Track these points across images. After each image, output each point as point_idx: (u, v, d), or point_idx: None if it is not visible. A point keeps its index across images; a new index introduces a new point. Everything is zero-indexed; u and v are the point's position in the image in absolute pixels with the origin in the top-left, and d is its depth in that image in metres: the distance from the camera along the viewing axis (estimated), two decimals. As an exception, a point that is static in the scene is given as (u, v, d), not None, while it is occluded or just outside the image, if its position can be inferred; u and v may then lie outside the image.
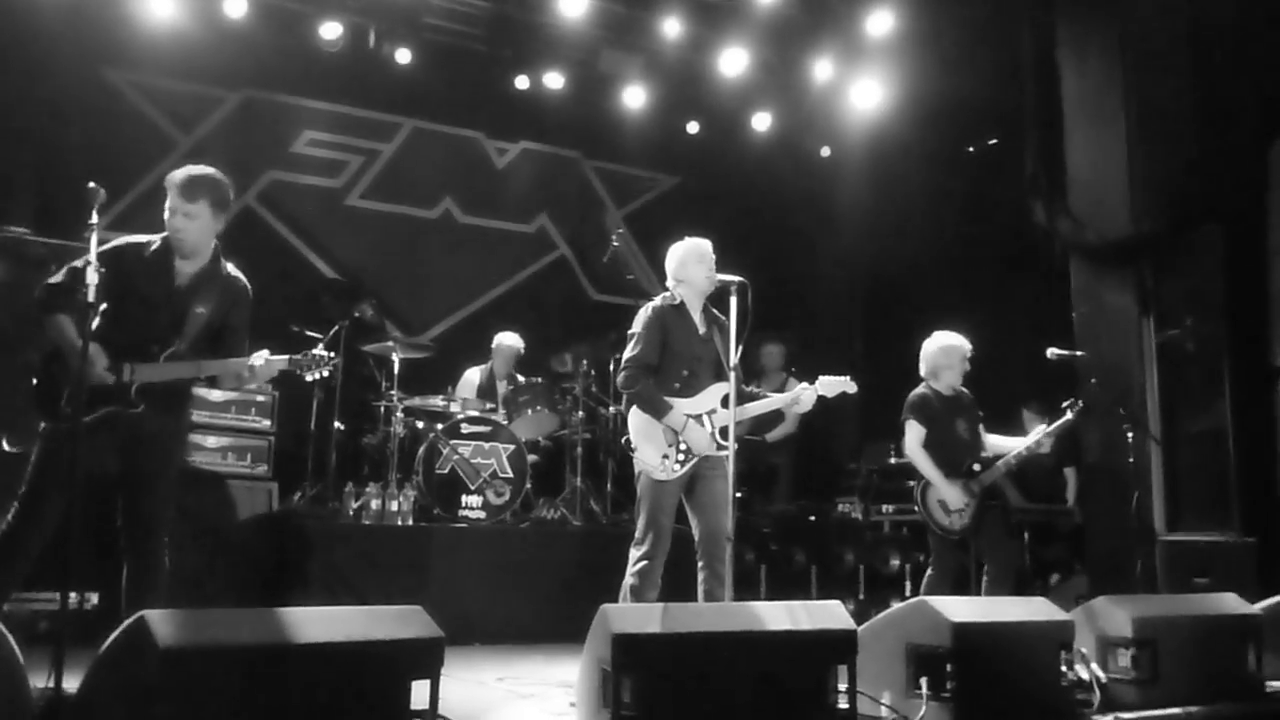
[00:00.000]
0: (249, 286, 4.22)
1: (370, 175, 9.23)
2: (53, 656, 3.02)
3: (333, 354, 4.22)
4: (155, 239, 4.04)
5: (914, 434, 5.65)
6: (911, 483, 5.89)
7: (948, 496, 5.53)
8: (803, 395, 4.80)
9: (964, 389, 5.77)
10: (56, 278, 3.93)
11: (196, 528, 6.01)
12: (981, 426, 5.75)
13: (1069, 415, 5.53)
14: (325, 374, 4.18)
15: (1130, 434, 6.01)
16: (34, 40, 7.33)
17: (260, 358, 3.96)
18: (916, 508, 5.74)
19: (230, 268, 4.18)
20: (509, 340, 7.96)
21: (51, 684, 3.00)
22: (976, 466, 5.54)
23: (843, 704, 3.50)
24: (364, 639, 2.95)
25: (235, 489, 6.57)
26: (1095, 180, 6.97)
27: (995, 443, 5.74)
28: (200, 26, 7.76)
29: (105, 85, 8.10)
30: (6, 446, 5.47)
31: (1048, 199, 7.13)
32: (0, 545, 3.70)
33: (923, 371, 5.79)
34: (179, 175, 3.98)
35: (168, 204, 3.95)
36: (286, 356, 4.06)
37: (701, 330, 4.81)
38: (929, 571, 5.65)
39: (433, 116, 9.42)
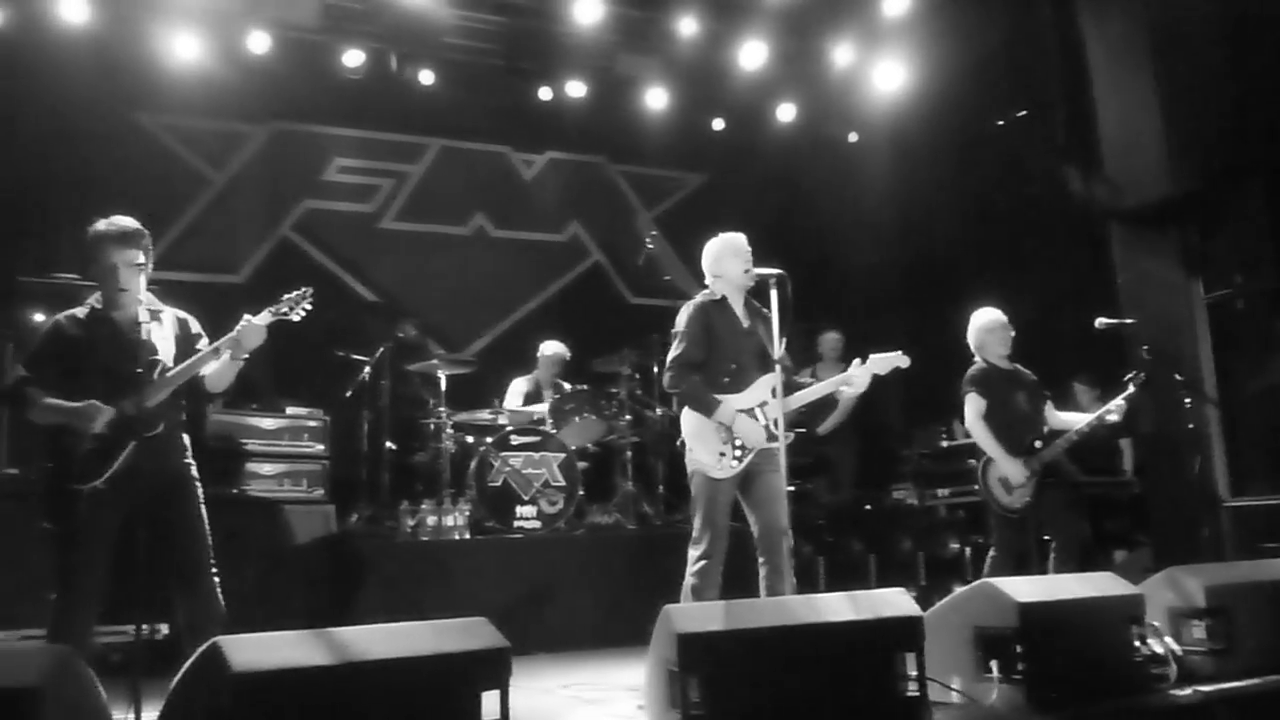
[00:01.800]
0: (190, 317, 4.20)
1: (401, 197, 9.31)
2: (129, 688, 3.08)
3: (308, 288, 4.13)
4: (77, 309, 4.02)
5: (974, 406, 5.58)
6: (971, 461, 5.83)
7: (1009, 473, 5.45)
8: (855, 376, 4.69)
9: (1023, 367, 5.72)
10: (20, 372, 3.93)
11: (257, 554, 6.11)
12: (1049, 404, 5.68)
13: (1131, 387, 5.44)
14: (309, 307, 4.08)
15: (1187, 399, 5.91)
16: (68, 89, 7.49)
17: (244, 322, 3.93)
18: (977, 486, 5.68)
19: (159, 306, 4.12)
20: (554, 348, 7.99)
21: (131, 716, 3.06)
22: (1038, 443, 5.47)
23: (912, 691, 3.48)
24: (432, 653, 2.97)
25: (293, 514, 6.67)
26: (1130, 143, 6.84)
27: (1061, 419, 5.65)
28: (225, 64, 7.86)
29: (138, 129, 8.25)
30: (46, 526, 5.56)
31: (1082, 166, 7.02)
32: (60, 625, 3.72)
33: (973, 350, 5.75)
34: (116, 225, 3.97)
35: (124, 259, 3.92)
36: (266, 310, 4.00)
37: (745, 323, 4.79)
38: (991, 553, 5.58)
39: (458, 134, 9.49)
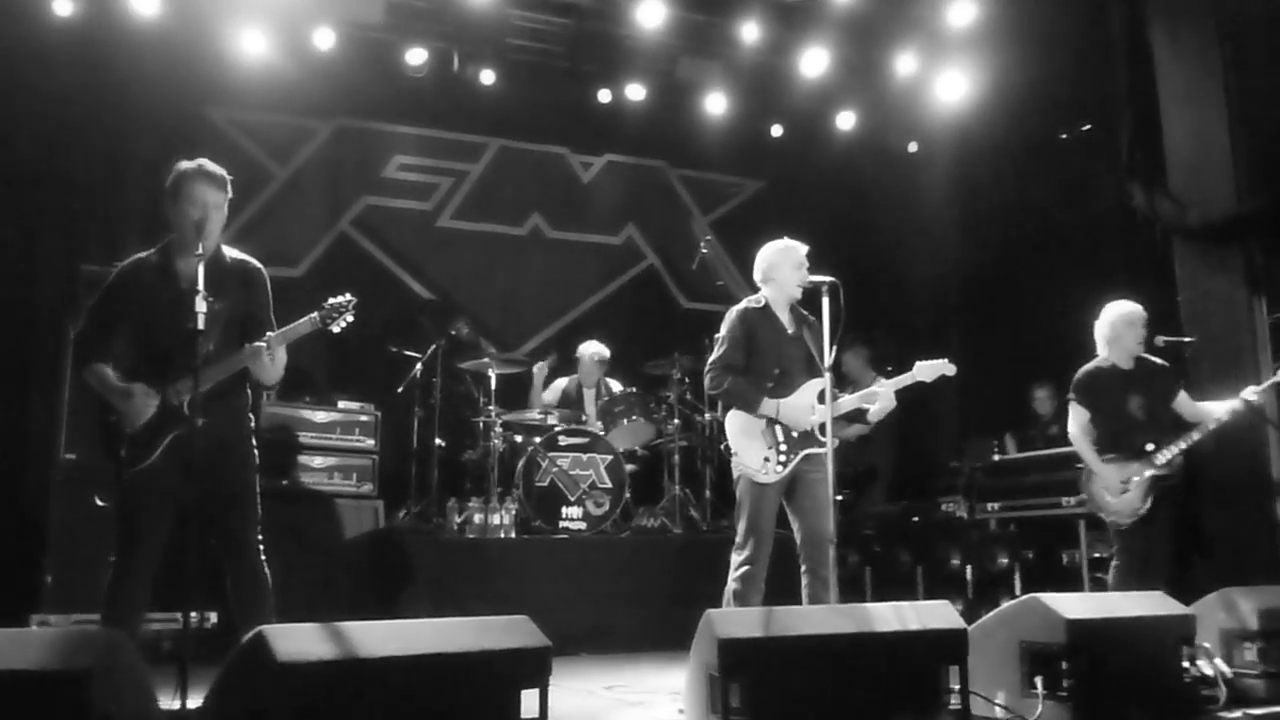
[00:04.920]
0: (261, 268, 4.08)
1: (460, 196, 9.40)
2: (178, 675, 3.14)
3: (351, 297, 3.98)
4: (148, 251, 3.97)
5: (1075, 417, 5.42)
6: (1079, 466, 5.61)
7: (1106, 478, 5.27)
8: (880, 393, 4.64)
9: (1153, 358, 5.42)
10: (80, 327, 3.94)
11: (306, 546, 6.20)
12: (1181, 396, 5.34)
13: (1277, 376, 5.21)
14: (350, 319, 3.97)
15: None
16: (137, 82, 7.68)
17: (275, 334, 3.86)
18: (1082, 496, 5.51)
19: (234, 253, 4.05)
20: (592, 349, 8.02)
21: (178, 702, 3.12)
22: (1150, 446, 5.19)
23: (955, 704, 3.45)
24: (474, 649, 3.00)
25: (343, 508, 6.76)
26: (1195, 160, 6.74)
27: (1195, 410, 5.30)
28: (291, 60, 7.99)
29: (205, 122, 8.41)
30: (100, 502, 5.69)
31: (1147, 182, 6.91)
32: (115, 593, 3.75)
33: (1099, 346, 5.47)
34: (209, 167, 3.90)
35: (196, 198, 3.83)
36: (306, 317, 3.91)
37: (790, 330, 4.78)
38: (1114, 562, 5.31)
39: (518, 135, 9.55)
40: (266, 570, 3.91)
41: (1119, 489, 5.23)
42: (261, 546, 3.93)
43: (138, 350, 3.92)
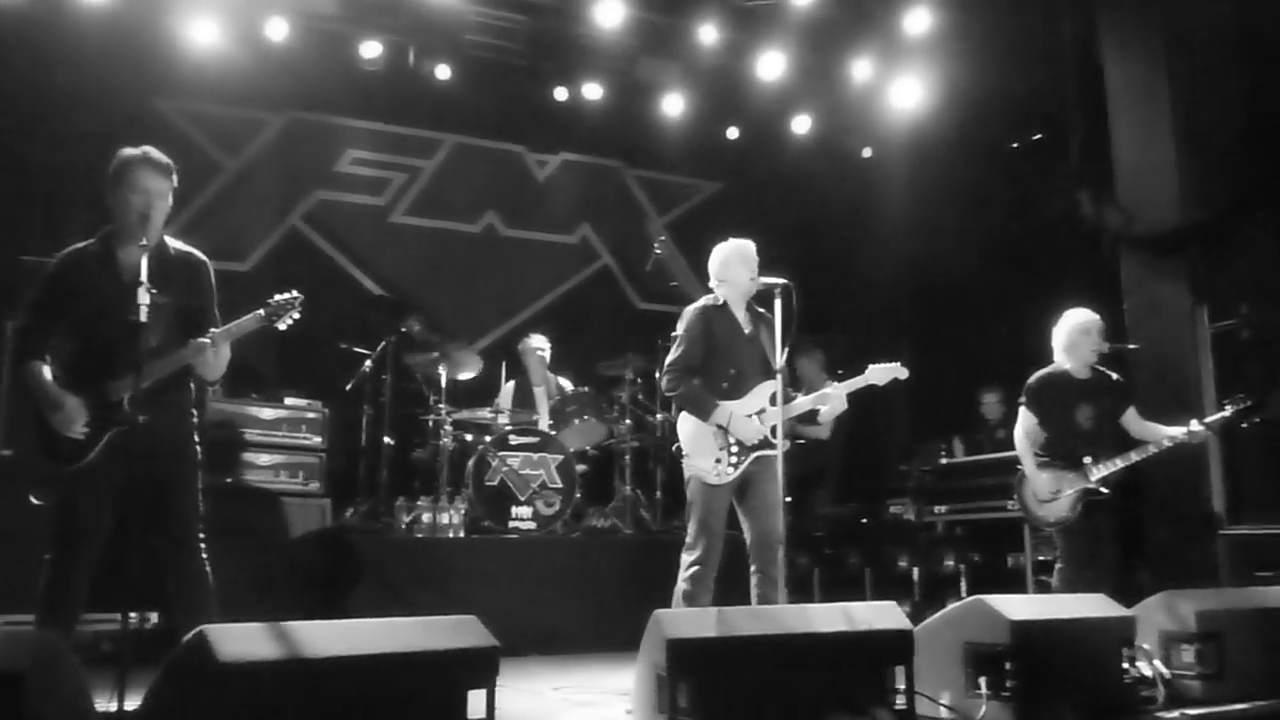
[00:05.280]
0: (206, 260, 4.00)
1: (413, 192, 9.33)
2: (116, 677, 3.07)
3: (297, 293, 3.92)
4: (88, 241, 3.87)
5: (1022, 421, 5.45)
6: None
7: (1037, 485, 5.34)
8: (830, 394, 4.69)
9: (1109, 371, 5.47)
10: (19, 321, 3.84)
11: (251, 545, 6.11)
12: (1130, 412, 5.36)
13: (1228, 410, 5.20)
14: (297, 316, 3.90)
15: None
16: (85, 71, 7.51)
17: (220, 330, 3.79)
18: (1014, 501, 5.57)
19: (178, 245, 3.95)
20: (534, 342, 7.97)
21: (115, 704, 3.05)
22: (1088, 459, 5.24)
23: (901, 705, 3.47)
24: (420, 649, 2.97)
25: (289, 506, 6.67)
26: (1143, 170, 6.87)
27: (1141, 430, 5.32)
28: (243, 51, 7.87)
29: (154, 113, 8.25)
30: (35, 500, 5.55)
31: (1095, 191, 7.04)
32: (50, 593, 3.66)
33: (1056, 353, 5.47)
34: (154, 154, 3.82)
35: (140, 185, 3.75)
36: (252, 314, 3.85)
37: (747, 330, 4.80)
38: (1058, 565, 5.36)
39: (473, 131, 9.50)
40: (208, 570, 3.83)
41: (1048, 496, 5.30)
42: (203, 545, 3.85)
43: (77, 343, 3.82)
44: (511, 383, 7.91)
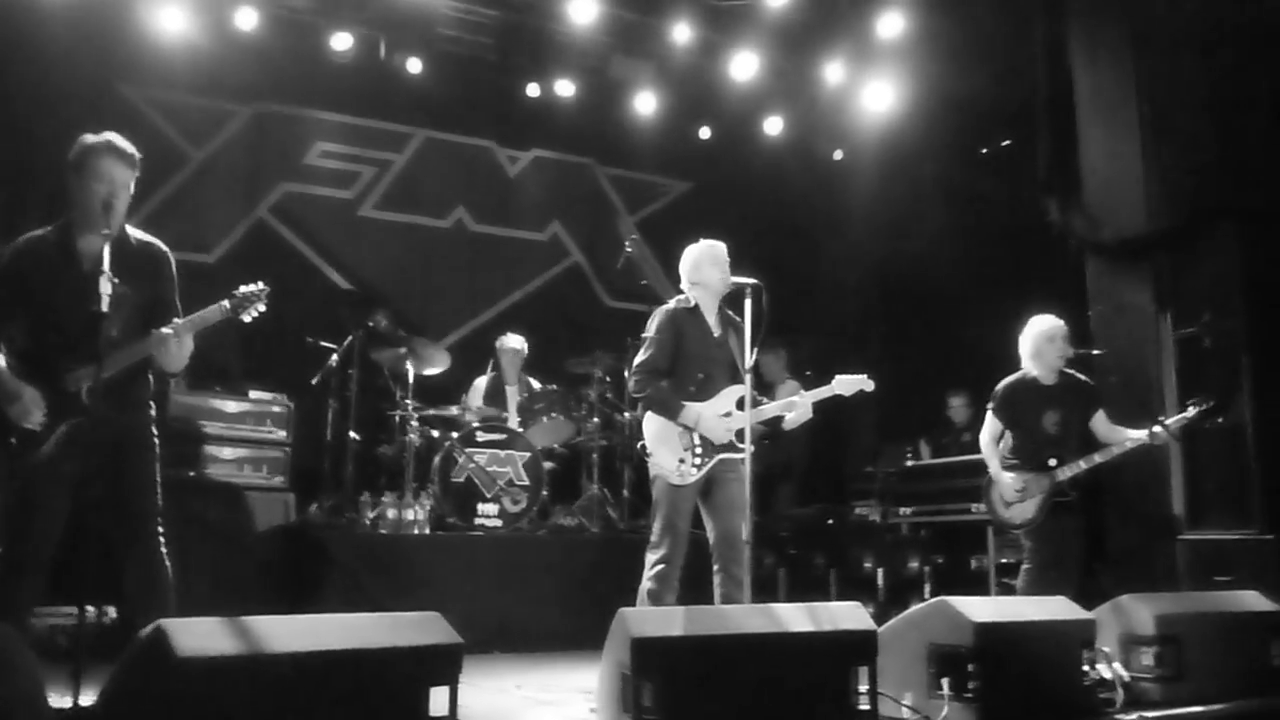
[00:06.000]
0: (168, 251, 3.94)
1: (382, 186, 9.26)
2: (71, 671, 3.02)
3: (264, 285, 3.86)
4: (46, 230, 3.80)
5: (988, 426, 5.51)
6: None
7: (1003, 488, 5.39)
8: (798, 402, 4.73)
9: (1078, 374, 5.51)
10: None
11: (213, 539, 6.04)
12: (1098, 415, 5.41)
13: (1191, 411, 5.28)
14: (262, 308, 3.84)
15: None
16: (50, 58, 7.37)
17: (184, 321, 3.73)
18: (980, 504, 5.62)
19: (139, 235, 3.89)
20: (512, 342, 7.95)
21: (70, 699, 3.00)
22: (1052, 461, 5.29)
23: (864, 705, 3.48)
24: (383, 646, 2.94)
25: (252, 500, 6.59)
26: (1110, 177, 6.95)
27: (1107, 433, 5.38)
28: (212, 40, 7.79)
29: (120, 100, 8.13)
30: None
31: (1062, 197, 7.11)
32: (3, 587, 3.59)
33: (1023, 359, 5.52)
34: (119, 142, 3.75)
35: (104, 174, 3.67)
36: (216, 305, 3.79)
37: (716, 333, 4.80)
38: (1024, 566, 5.39)
39: (444, 126, 9.44)
40: (167, 564, 3.78)
41: (1015, 498, 5.36)
42: (162, 539, 3.79)
43: (33, 332, 3.73)
44: (485, 378, 7.88)
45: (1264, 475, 6.04)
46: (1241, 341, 6.22)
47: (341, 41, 8.20)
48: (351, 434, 7.20)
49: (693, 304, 4.81)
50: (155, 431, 3.90)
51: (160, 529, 3.79)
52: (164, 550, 3.78)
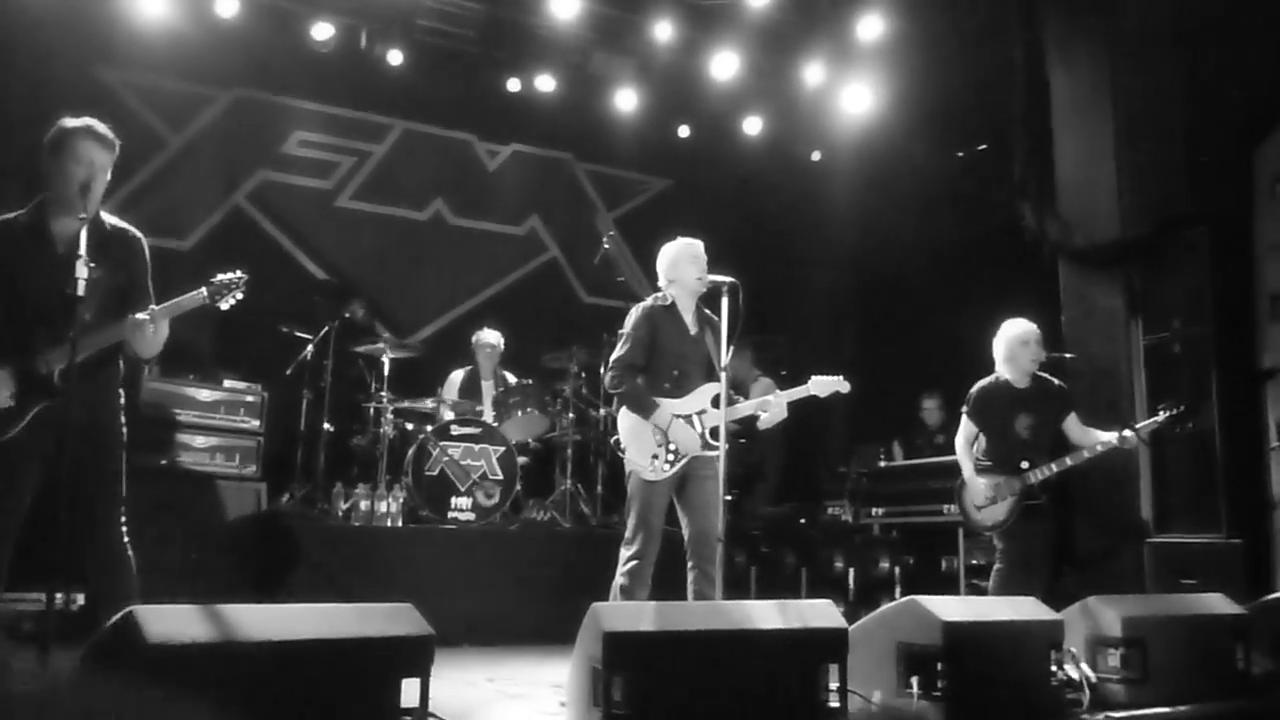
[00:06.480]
0: (141, 236, 3.92)
1: (361, 176, 9.22)
2: (39, 656, 3.00)
3: (242, 273, 3.84)
4: (18, 212, 3.77)
5: (962, 429, 5.55)
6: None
7: (974, 491, 5.44)
8: (772, 401, 4.73)
9: (1050, 378, 5.53)
10: None
11: (184, 527, 6.01)
12: (1070, 419, 5.44)
13: (1161, 415, 5.33)
14: (240, 296, 3.83)
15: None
16: (28, 40, 7.31)
17: (161, 307, 3.71)
18: (954, 506, 5.66)
19: (113, 220, 3.87)
20: (488, 337, 7.94)
21: (36, 683, 2.98)
22: (1025, 464, 5.33)
23: (833, 702, 3.50)
24: (355, 636, 2.94)
25: (224, 489, 6.56)
26: (1084, 183, 7.02)
27: (1080, 436, 5.40)
28: (192, 25, 7.74)
29: (98, 84, 8.06)
30: None
31: (1036, 202, 7.17)
32: None
33: (997, 364, 5.55)
34: (97, 126, 3.73)
35: (82, 156, 3.66)
36: (194, 291, 3.77)
37: (693, 330, 4.81)
38: (997, 566, 5.41)
39: (424, 118, 9.41)
40: (130, 551, 3.75)
41: (986, 501, 5.40)
42: (125, 527, 3.77)
43: (4, 314, 3.69)
44: (461, 372, 7.86)
45: (1230, 480, 6.13)
46: (1210, 348, 6.30)
47: (322, 31, 8.16)
48: (325, 424, 7.17)
49: (670, 301, 4.81)
50: (123, 419, 3.87)
51: (123, 517, 3.77)
52: (126, 539, 3.76)
